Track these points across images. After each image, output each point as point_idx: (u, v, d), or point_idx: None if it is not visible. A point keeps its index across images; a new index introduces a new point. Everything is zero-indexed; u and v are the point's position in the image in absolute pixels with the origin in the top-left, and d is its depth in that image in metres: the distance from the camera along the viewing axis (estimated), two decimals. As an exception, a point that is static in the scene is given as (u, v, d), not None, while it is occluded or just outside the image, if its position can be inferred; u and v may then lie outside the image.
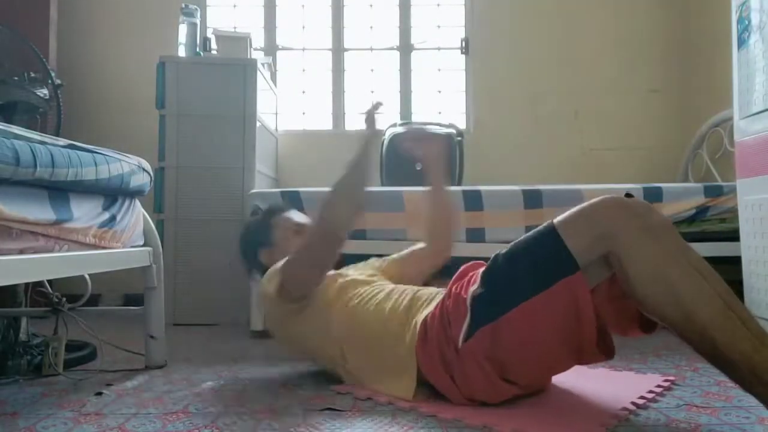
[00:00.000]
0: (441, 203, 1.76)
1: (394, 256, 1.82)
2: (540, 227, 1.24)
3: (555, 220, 1.21)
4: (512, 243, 1.27)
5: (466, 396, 1.27)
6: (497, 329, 1.20)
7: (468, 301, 1.24)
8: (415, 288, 1.53)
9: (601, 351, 1.21)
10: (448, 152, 1.70)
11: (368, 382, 1.41)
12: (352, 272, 1.65)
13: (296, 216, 1.78)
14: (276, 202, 1.88)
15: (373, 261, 1.81)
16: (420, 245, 1.81)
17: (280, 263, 1.53)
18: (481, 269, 1.29)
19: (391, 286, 1.57)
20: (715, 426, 1.15)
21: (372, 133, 1.53)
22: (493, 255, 1.28)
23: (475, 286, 1.25)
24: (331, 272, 1.59)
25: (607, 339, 1.24)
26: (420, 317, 1.38)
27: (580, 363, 1.30)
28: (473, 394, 1.27)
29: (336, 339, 1.47)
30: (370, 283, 1.59)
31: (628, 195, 1.19)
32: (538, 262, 1.19)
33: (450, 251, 1.78)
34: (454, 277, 1.42)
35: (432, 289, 1.52)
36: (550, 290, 1.15)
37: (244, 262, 1.78)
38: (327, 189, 1.47)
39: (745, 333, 1.02)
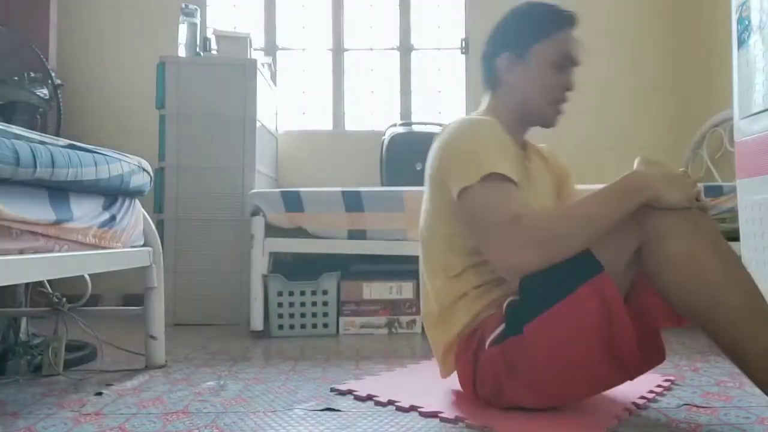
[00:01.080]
0: None
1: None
2: None
3: None
4: None
5: (483, 398, 1.25)
6: (524, 341, 1.13)
7: (503, 309, 1.20)
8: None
9: (646, 355, 1.11)
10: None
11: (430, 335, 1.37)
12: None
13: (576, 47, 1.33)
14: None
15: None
16: None
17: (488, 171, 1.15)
18: None
19: None
20: (715, 426, 1.15)
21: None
22: None
23: (513, 296, 1.19)
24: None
25: (653, 341, 1.15)
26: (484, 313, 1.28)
27: (629, 374, 1.16)
28: (493, 401, 1.24)
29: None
30: None
31: None
32: (560, 267, 1.11)
33: None
34: None
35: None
36: (574, 294, 1.09)
37: (484, 55, 1.40)
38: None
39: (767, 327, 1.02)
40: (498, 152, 1.20)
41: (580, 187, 2.26)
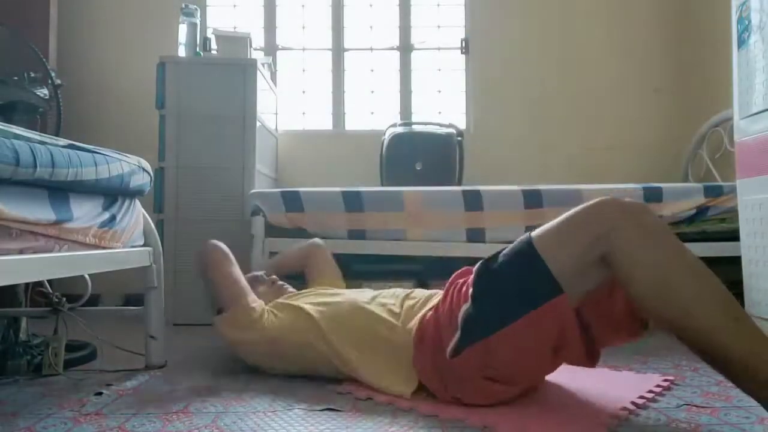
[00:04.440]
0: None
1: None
2: (521, 243, 1.23)
3: (534, 236, 1.21)
4: (497, 256, 1.26)
5: (456, 399, 1.29)
6: (487, 346, 1.22)
7: (459, 319, 1.25)
8: (405, 290, 1.57)
9: (587, 359, 1.28)
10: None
11: (369, 379, 1.41)
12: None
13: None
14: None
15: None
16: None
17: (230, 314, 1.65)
18: (471, 280, 1.29)
19: (370, 291, 1.62)
20: (715, 426, 1.15)
21: None
22: (476, 267, 1.29)
23: (467, 305, 1.25)
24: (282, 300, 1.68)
25: (594, 349, 1.29)
26: (416, 319, 1.39)
27: (569, 364, 1.36)
28: (466, 398, 1.28)
29: (329, 343, 1.48)
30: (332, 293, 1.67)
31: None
32: (521, 285, 1.20)
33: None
34: (450, 280, 1.42)
35: (423, 292, 1.54)
36: (534, 312, 1.17)
37: None
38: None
39: (741, 334, 1.03)
40: None
41: (581, 187, 2.27)
